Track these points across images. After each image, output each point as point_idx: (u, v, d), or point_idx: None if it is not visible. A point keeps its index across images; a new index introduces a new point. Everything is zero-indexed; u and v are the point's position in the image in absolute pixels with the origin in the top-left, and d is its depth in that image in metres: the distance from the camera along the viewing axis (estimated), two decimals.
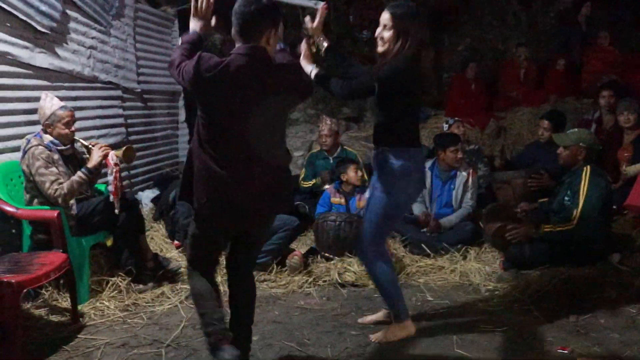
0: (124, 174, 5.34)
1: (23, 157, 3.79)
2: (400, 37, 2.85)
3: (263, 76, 2.42)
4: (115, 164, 3.83)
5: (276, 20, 2.51)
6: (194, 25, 2.74)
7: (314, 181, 5.52)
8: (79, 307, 3.59)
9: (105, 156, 3.87)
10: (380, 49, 2.94)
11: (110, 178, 3.80)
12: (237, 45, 2.50)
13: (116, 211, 3.82)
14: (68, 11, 5.00)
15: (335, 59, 3.11)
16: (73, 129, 3.97)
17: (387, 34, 2.88)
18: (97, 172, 3.98)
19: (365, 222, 3.09)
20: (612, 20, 8.35)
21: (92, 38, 5.44)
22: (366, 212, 3.10)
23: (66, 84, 4.99)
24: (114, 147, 4.24)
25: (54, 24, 4.74)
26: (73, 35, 5.10)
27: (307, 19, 3.14)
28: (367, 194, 3.21)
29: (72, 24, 5.08)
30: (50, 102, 3.92)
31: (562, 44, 8.40)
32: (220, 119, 2.44)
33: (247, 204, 2.52)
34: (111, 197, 3.79)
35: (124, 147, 4.00)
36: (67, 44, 5.00)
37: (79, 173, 3.81)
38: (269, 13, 2.48)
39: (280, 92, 2.47)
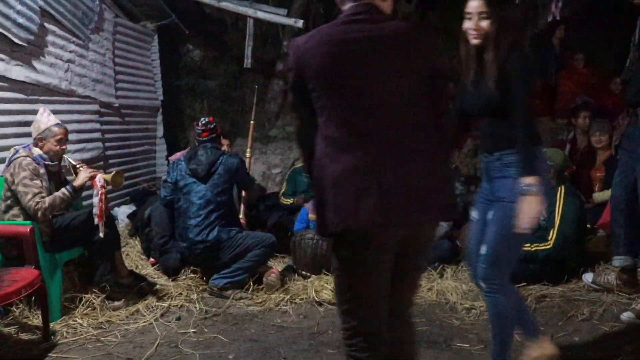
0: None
1: (8, 166, 3.77)
2: (499, 26, 2.47)
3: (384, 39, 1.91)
4: (102, 187, 3.82)
5: None
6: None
7: (292, 200, 5.53)
8: (51, 325, 3.52)
9: (92, 178, 3.87)
10: (474, 41, 2.53)
11: (95, 200, 3.78)
12: (345, 6, 2.02)
13: (101, 234, 3.79)
14: (46, 24, 4.97)
15: None
16: (65, 146, 3.97)
17: (485, 23, 2.47)
18: (80, 192, 3.97)
19: (489, 245, 2.50)
20: (586, 43, 8.54)
21: (70, 52, 5.41)
22: (488, 233, 2.53)
23: (42, 98, 4.94)
24: (90, 162, 4.22)
25: (31, 37, 4.71)
26: (51, 49, 5.06)
27: None
28: (474, 214, 2.70)
29: (50, 37, 5.05)
30: (47, 118, 3.93)
31: (537, 65, 8.56)
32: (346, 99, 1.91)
33: (411, 208, 1.90)
34: (96, 220, 3.76)
35: (113, 172, 4.03)
36: (44, 57, 4.97)
37: (63, 190, 3.80)
38: None
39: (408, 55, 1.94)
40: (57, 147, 3.90)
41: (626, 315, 3.44)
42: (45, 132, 3.87)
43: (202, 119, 4.51)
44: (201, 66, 8.43)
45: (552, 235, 4.03)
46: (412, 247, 2.02)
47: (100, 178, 3.87)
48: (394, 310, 2.06)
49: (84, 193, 4.24)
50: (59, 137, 3.90)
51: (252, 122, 5.54)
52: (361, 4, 1.95)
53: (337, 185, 1.88)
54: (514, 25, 2.47)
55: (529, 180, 2.32)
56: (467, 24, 2.51)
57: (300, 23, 6.88)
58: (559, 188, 4.13)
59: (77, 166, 4.02)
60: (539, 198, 2.32)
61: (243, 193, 4.97)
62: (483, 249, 2.51)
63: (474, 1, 2.48)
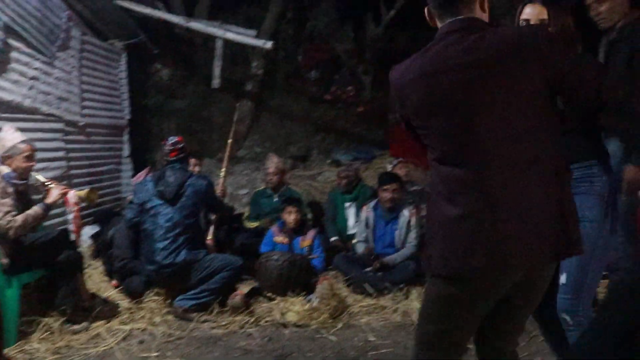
0: (60, 210, 5.18)
1: None
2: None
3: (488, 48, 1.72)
4: (76, 203, 3.82)
5: None
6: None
7: (257, 223, 5.49)
8: (5, 351, 3.40)
9: (65, 194, 3.84)
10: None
11: (70, 217, 3.77)
12: (439, 23, 1.87)
13: (79, 250, 3.76)
14: (10, 40, 4.90)
15: None
16: (33, 163, 3.92)
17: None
18: (51, 210, 3.93)
19: (571, 272, 2.23)
20: None
21: (35, 69, 5.33)
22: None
23: (4, 115, 4.85)
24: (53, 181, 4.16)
25: None
26: (14, 65, 4.99)
27: None
28: None
29: (14, 54, 4.98)
30: (12, 135, 3.89)
31: None
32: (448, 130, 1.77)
33: (526, 251, 1.73)
34: (73, 236, 3.75)
35: (88, 189, 4.04)
36: (7, 73, 4.89)
37: (35, 208, 3.75)
38: None
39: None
40: (26, 164, 3.84)
41: None
42: (12, 150, 3.80)
43: (171, 138, 4.47)
44: (170, 85, 8.40)
45: None
46: (526, 286, 1.84)
47: (73, 195, 3.85)
48: (500, 349, 1.96)
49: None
50: (26, 153, 3.84)
51: (229, 141, 5.53)
52: (458, 20, 1.79)
53: (447, 228, 1.77)
54: (573, 33, 2.27)
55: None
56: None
57: (269, 44, 6.93)
58: None
59: (47, 184, 3.96)
60: None
61: (212, 215, 4.92)
62: (563, 278, 2.23)
63: (533, 7, 2.29)
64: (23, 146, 3.85)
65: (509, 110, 1.71)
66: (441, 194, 1.79)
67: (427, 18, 1.91)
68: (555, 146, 1.77)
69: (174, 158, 4.34)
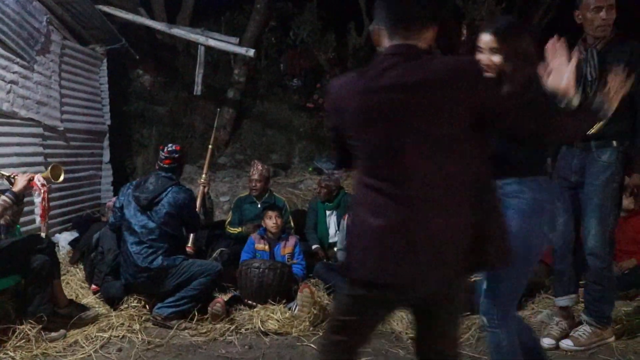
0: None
1: None
2: (513, 60, 2.39)
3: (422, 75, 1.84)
4: (42, 185, 3.71)
5: (438, 10, 2.00)
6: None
7: (239, 229, 5.46)
8: None
9: (31, 180, 3.74)
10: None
11: (37, 200, 3.69)
12: (383, 45, 1.97)
13: (42, 234, 3.66)
14: None
15: None
16: None
17: (496, 58, 2.40)
18: (22, 199, 3.82)
19: (492, 280, 2.38)
20: None
21: (14, 72, 5.27)
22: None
23: None
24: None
25: None
26: None
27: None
28: None
29: None
30: None
31: None
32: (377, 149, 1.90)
33: (435, 267, 1.85)
34: (38, 220, 3.67)
35: (50, 166, 3.90)
36: None
37: (2, 197, 3.65)
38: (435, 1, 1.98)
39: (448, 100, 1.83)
40: None
41: (546, 342, 3.51)
42: None
43: (169, 145, 4.40)
44: (151, 92, 8.36)
45: None
46: (435, 301, 1.96)
47: (38, 177, 3.75)
48: (440, 352, 2.05)
49: (22, 219, 4.09)
50: None
51: (210, 147, 5.50)
52: (404, 45, 1.89)
53: (368, 238, 1.87)
54: (529, 59, 2.36)
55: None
56: (480, 57, 2.41)
57: (251, 52, 6.93)
58: None
59: (11, 176, 3.84)
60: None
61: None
62: (484, 284, 2.39)
63: (485, 35, 2.40)
64: None
65: (434, 134, 1.82)
66: (365, 205, 1.89)
67: (373, 37, 2.00)
68: (479, 170, 1.88)
69: (167, 166, 4.30)
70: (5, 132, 5.16)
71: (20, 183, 3.74)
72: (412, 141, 1.82)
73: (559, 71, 2.14)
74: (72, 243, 5.59)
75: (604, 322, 3.49)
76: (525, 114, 1.91)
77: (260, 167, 5.70)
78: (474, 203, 1.85)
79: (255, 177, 5.65)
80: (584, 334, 3.48)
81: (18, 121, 5.38)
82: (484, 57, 2.39)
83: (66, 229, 6.10)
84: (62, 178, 3.99)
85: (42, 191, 3.69)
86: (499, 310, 2.37)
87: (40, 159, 5.74)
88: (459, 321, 2.10)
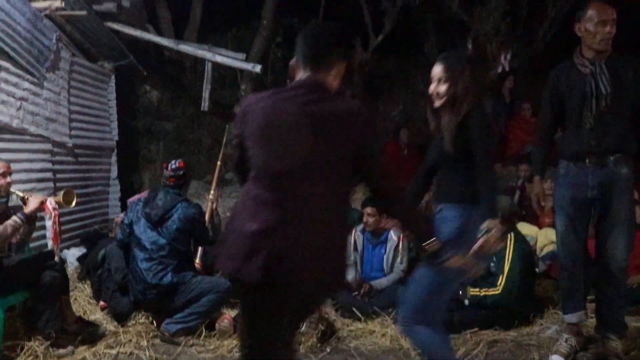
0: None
1: None
2: (456, 89, 2.61)
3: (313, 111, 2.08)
4: (54, 209, 3.73)
5: (348, 50, 2.23)
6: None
7: None
8: None
9: (43, 203, 3.75)
10: (436, 104, 2.70)
11: (48, 224, 3.69)
12: (296, 76, 2.21)
13: (56, 258, 3.67)
14: (0, 61, 4.90)
15: None
16: (8, 179, 3.84)
17: (443, 87, 2.63)
18: (33, 220, 3.83)
19: (415, 292, 2.64)
20: (534, 93, 8.92)
21: (24, 89, 5.33)
22: (416, 281, 2.67)
23: None
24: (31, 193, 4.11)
25: None
26: (3, 86, 4.99)
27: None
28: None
29: (2, 74, 4.99)
30: None
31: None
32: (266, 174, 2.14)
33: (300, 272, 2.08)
34: (50, 244, 3.66)
35: (63, 191, 3.91)
36: None
37: (13, 217, 3.67)
38: (344, 39, 2.22)
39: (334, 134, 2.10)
40: (1, 181, 3.79)
41: (555, 358, 3.49)
42: None
43: (173, 162, 4.40)
44: (158, 107, 8.41)
45: (501, 281, 4.12)
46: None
47: (50, 201, 3.76)
48: None
49: (34, 234, 4.10)
50: (0, 170, 3.78)
51: (218, 162, 5.52)
52: (307, 79, 2.14)
53: (242, 238, 2.06)
54: (472, 87, 2.59)
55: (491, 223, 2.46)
56: (430, 88, 2.68)
57: (258, 68, 6.98)
58: (508, 235, 4.24)
59: (25, 197, 3.86)
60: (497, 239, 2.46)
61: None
62: (409, 293, 2.66)
63: (436, 67, 2.66)
64: None
65: (320, 161, 2.07)
66: (247, 209, 2.11)
67: (290, 70, 2.25)
68: (347, 195, 2.23)
69: (172, 184, 4.32)
70: (15, 149, 5.20)
71: (32, 204, 3.75)
72: (301, 162, 2.05)
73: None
74: (80, 259, 5.61)
75: (624, 331, 3.47)
76: (382, 177, 2.24)
77: None
78: (341, 221, 2.17)
79: None
80: None
81: (27, 137, 5.43)
82: (432, 86, 2.67)
83: (74, 245, 6.12)
84: (74, 204, 4.02)
85: (52, 214, 3.70)
86: (416, 320, 2.59)
87: (49, 174, 5.78)
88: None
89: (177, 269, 4.12)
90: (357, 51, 2.40)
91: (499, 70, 9.12)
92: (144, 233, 4.17)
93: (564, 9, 8.88)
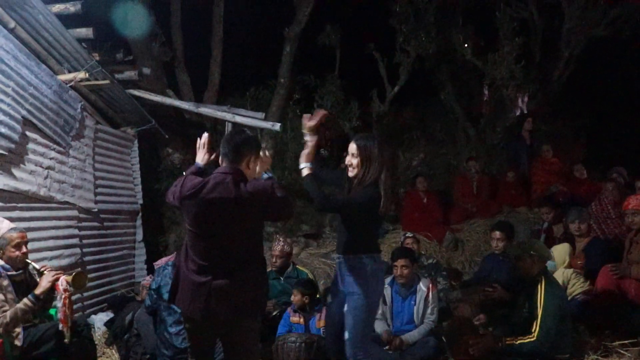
0: (75, 296, 5.14)
1: None
2: (365, 164, 3.35)
3: (235, 193, 2.92)
4: (65, 290, 3.69)
5: (257, 149, 3.15)
6: (198, 158, 3.31)
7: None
8: None
9: (56, 281, 3.73)
10: (350, 174, 3.42)
11: (59, 305, 3.65)
12: (222, 166, 3.08)
13: (66, 340, 3.63)
14: (28, 132, 5.05)
15: (315, 171, 3.48)
16: (24, 250, 3.86)
17: (355, 161, 3.38)
18: (46, 298, 3.82)
19: (349, 329, 3.38)
20: (554, 134, 8.89)
21: (51, 159, 5.45)
22: (346, 319, 3.39)
23: (20, 204, 4.92)
24: (67, 268, 4.11)
25: (12, 145, 4.76)
26: (31, 156, 5.11)
27: (306, 116, 3.53)
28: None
29: (30, 145, 5.11)
30: None
31: (511, 157, 8.83)
32: (199, 231, 2.99)
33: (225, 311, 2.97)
34: (60, 326, 3.62)
35: (74, 272, 3.87)
36: (24, 164, 5.00)
37: (24, 300, 3.66)
38: (252, 143, 3.14)
39: (249, 210, 2.95)
40: (17, 253, 3.80)
41: None
42: (1, 241, 3.77)
43: None
44: (181, 169, 8.50)
45: (536, 327, 3.97)
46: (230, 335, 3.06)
47: (62, 281, 3.72)
48: None
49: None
50: (15, 242, 3.80)
51: None
52: (228, 168, 3.02)
53: (191, 287, 2.99)
54: (379, 165, 3.33)
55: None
56: (347, 159, 3.42)
57: (277, 127, 7.08)
58: (540, 278, 4.14)
59: (41, 270, 3.87)
60: None
61: None
62: (347, 335, 3.37)
63: (351, 144, 3.43)
64: (11, 234, 3.81)
65: (236, 230, 2.95)
66: (191, 269, 3.00)
67: (219, 160, 3.12)
68: (258, 247, 3.11)
69: None
70: (42, 217, 5.28)
71: (44, 284, 3.73)
72: (222, 234, 2.94)
73: None
74: (107, 324, 5.58)
75: None
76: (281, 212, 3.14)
77: (282, 243, 5.59)
78: (254, 268, 3.02)
79: (276, 252, 5.49)
80: None
81: (54, 205, 5.51)
82: (347, 159, 3.42)
83: (101, 310, 6.12)
84: (85, 287, 3.98)
85: (63, 296, 3.67)
86: (363, 350, 3.36)
87: (75, 240, 5.84)
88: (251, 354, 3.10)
89: None
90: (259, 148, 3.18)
91: (517, 113, 9.15)
92: None
93: (577, 49, 8.94)
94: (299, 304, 4.79)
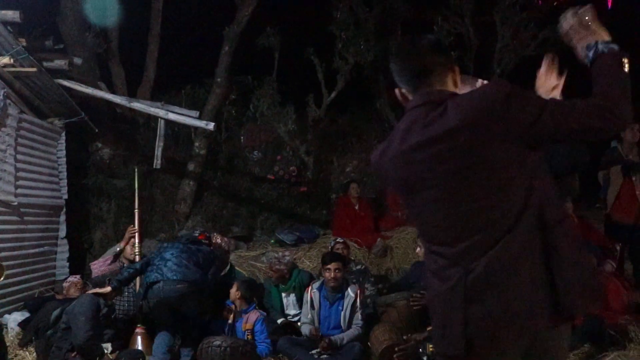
0: None
1: None
2: None
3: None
4: None
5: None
6: None
7: None
8: None
9: None
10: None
11: None
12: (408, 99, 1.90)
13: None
14: None
15: None
16: None
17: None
18: None
19: None
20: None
21: None
22: None
23: None
24: None
25: None
26: None
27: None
28: None
29: None
30: None
31: None
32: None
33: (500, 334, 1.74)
34: None
35: None
36: None
37: None
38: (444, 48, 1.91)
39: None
40: None
41: None
42: None
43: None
44: (110, 165, 8.26)
45: None
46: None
47: None
48: None
49: None
50: None
51: (135, 210, 5.45)
52: (419, 96, 1.81)
53: (431, 307, 1.85)
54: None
55: None
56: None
57: (211, 126, 6.97)
58: None
59: None
60: None
61: None
62: None
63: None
64: None
65: (465, 182, 1.68)
66: (430, 270, 1.81)
67: (401, 100, 1.92)
68: (542, 202, 1.67)
69: None
70: None
71: None
72: (459, 193, 1.69)
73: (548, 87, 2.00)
74: (22, 324, 5.31)
75: None
76: (581, 113, 1.65)
77: (219, 241, 5.55)
78: (538, 248, 1.68)
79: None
80: None
81: None
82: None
83: (17, 309, 5.81)
84: (2, 278, 3.85)
85: None
86: None
87: None
88: None
89: None
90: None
91: None
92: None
93: (509, 67, 9.27)
94: (232, 297, 4.82)
